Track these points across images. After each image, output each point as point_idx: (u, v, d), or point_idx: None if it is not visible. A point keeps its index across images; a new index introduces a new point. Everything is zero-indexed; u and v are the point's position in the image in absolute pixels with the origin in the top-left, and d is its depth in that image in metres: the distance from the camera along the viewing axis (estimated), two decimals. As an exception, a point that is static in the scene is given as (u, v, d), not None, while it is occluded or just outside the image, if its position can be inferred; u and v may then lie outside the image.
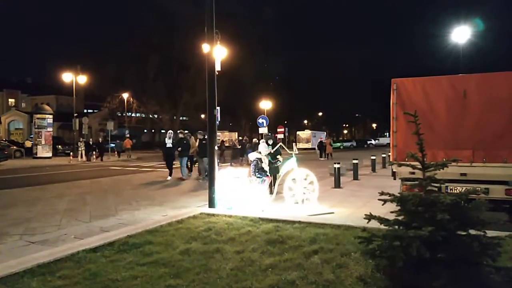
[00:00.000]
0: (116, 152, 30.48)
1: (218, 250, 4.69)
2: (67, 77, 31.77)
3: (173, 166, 14.59)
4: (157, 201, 9.52)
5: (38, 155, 28.24)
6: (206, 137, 14.44)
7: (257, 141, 22.12)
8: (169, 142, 14.52)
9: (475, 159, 6.12)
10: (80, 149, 26.52)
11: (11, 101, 72.95)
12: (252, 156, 8.58)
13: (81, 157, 26.40)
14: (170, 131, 15.18)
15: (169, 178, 14.16)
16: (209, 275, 3.91)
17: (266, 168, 8.62)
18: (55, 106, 53.47)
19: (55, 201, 9.56)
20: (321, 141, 32.80)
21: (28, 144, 33.37)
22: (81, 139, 28.09)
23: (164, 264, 4.23)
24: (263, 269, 4.03)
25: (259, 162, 8.45)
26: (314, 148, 34.41)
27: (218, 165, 8.25)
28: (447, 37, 22.33)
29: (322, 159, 28.44)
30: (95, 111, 60.53)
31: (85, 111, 59.79)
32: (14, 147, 31.06)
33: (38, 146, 28.68)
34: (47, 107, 31.61)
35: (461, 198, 3.51)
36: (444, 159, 3.90)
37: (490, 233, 3.54)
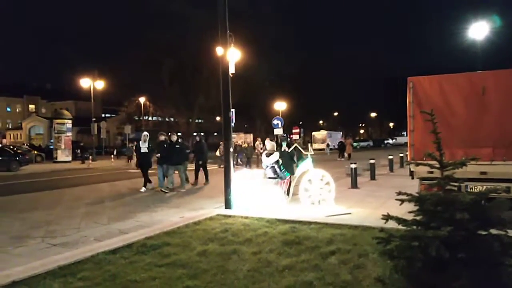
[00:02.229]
0: (126, 157, 30.00)
1: (235, 251, 4.71)
2: (85, 82, 32.41)
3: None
4: (173, 203, 9.61)
5: (58, 159, 28.86)
6: (174, 139, 11.91)
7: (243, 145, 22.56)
8: (144, 147, 11.88)
9: (495, 157, 5.98)
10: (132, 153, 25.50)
11: (31, 107, 74.93)
12: (270, 160, 8.40)
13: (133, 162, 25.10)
14: (146, 133, 12.40)
15: (143, 189, 11.77)
16: (226, 276, 3.93)
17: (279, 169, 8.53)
18: (74, 111, 54.67)
19: (75, 204, 9.74)
20: (341, 141, 32.56)
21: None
22: (131, 144, 26.63)
23: (182, 265, 4.27)
24: (280, 270, 4.03)
25: (276, 165, 8.36)
26: (332, 148, 34.04)
27: (232, 166, 8.23)
28: (464, 34, 21.96)
29: (338, 159, 28.23)
30: (112, 115, 61.58)
31: (103, 115, 60.87)
32: (35, 152, 31.80)
33: (58, 151, 29.32)
34: (66, 112, 32.31)
35: (481, 197, 3.44)
36: (463, 158, 3.82)
37: (512, 232, 3.46)
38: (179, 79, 42.22)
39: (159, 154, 11.66)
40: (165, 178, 11.79)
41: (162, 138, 12.08)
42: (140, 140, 12.13)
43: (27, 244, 6.02)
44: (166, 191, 11.25)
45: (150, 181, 12.14)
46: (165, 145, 11.87)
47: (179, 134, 15.69)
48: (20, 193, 12.14)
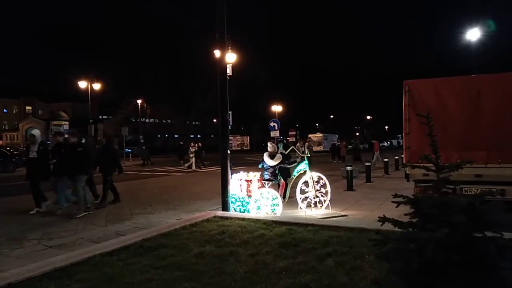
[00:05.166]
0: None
1: (232, 253, 4.71)
2: (82, 84, 32.34)
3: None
4: (171, 205, 9.61)
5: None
6: (72, 141, 8.69)
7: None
8: (32, 151, 8.65)
9: (490, 160, 6.03)
10: (191, 155, 22.25)
11: (28, 108, 74.71)
12: (274, 162, 8.38)
13: (191, 166, 22.00)
14: (35, 131, 8.97)
15: (34, 211, 8.69)
16: (223, 278, 3.93)
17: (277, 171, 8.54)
18: (71, 113, 54.42)
19: (71, 206, 9.68)
20: (333, 144, 32.63)
21: None
22: (192, 144, 22.88)
23: (179, 267, 4.27)
24: (277, 272, 4.04)
25: (277, 167, 8.36)
26: (328, 151, 33.97)
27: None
28: (459, 38, 22.15)
29: (334, 161, 28.31)
30: (109, 117, 61.41)
31: (100, 117, 60.69)
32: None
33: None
34: (63, 114, 32.30)
35: (477, 199, 3.47)
36: (459, 161, 3.86)
37: (507, 235, 3.49)
38: (177, 81, 42.31)
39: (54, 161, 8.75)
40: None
41: (60, 139, 9.23)
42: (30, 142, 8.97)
43: (24, 245, 6.01)
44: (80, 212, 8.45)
45: (44, 199, 8.96)
46: (63, 150, 8.86)
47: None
48: (16, 194, 12.08)
